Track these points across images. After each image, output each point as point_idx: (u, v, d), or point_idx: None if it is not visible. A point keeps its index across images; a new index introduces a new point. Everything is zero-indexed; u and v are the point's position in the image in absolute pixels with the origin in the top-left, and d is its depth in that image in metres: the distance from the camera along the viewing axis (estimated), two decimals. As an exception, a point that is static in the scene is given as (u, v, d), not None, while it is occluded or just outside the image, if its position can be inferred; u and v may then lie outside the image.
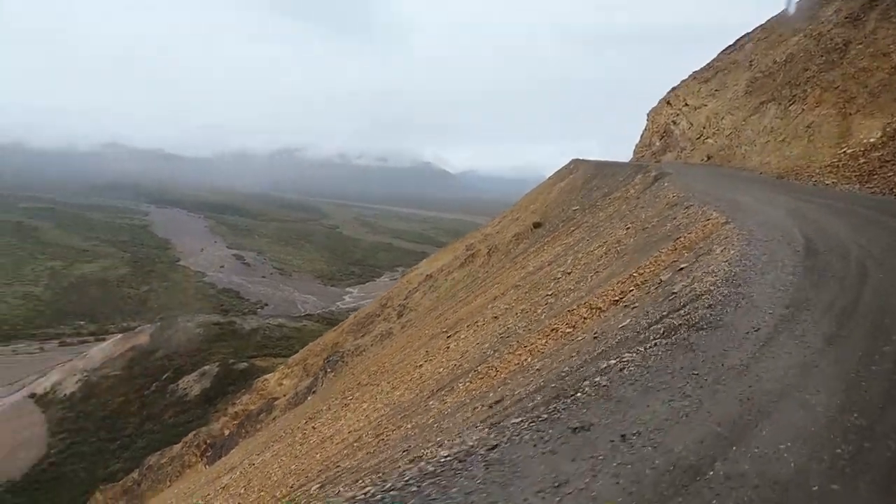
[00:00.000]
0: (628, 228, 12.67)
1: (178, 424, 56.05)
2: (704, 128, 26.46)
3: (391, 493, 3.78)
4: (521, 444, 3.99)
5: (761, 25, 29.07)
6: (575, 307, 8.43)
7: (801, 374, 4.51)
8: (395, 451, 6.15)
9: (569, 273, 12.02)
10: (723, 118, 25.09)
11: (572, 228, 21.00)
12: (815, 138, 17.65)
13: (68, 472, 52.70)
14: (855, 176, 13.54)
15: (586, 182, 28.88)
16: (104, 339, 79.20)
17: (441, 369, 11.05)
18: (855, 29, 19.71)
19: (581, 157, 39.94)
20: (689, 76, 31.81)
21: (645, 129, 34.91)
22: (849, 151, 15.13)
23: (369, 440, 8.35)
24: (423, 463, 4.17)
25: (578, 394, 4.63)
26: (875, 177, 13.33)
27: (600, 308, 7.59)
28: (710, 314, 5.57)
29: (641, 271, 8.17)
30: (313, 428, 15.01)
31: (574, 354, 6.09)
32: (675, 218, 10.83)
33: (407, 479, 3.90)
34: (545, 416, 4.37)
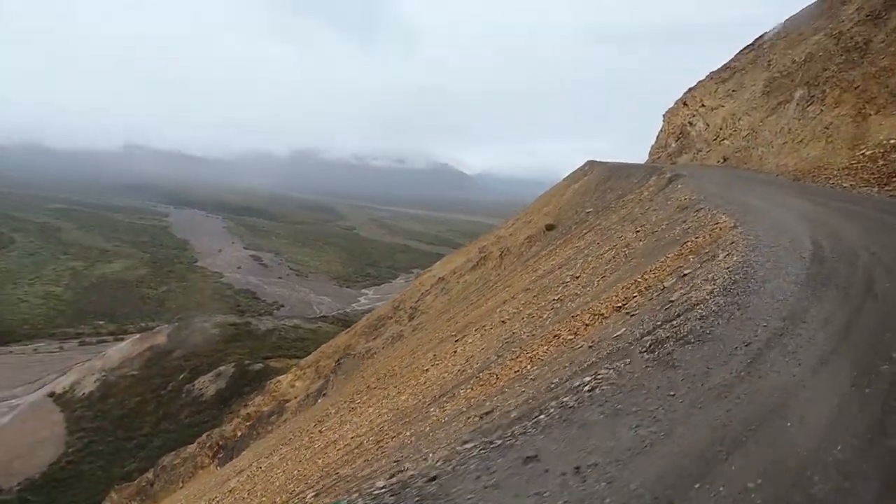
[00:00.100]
0: (638, 232, 12.41)
1: (194, 424, 56.49)
2: (721, 129, 26.00)
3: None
4: (464, 475, 3.77)
5: (780, 24, 28.55)
6: (579, 313, 8.22)
7: (787, 398, 4.18)
8: (389, 460, 6.01)
9: (577, 277, 11.79)
10: (740, 119, 24.63)
11: (585, 231, 20.72)
12: (834, 139, 17.21)
13: (86, 470, 53.30)
14: (873, 178, 13.13)
15: (600, 184, 28.54)
16: (123, 339, 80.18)
17: (445, 375, 10.89)
18: (876, 27, 19.21)
19: (598, 158, 39.56)
20: (707, 76, 31.33)
21: (661, 130, 34.45)
22: (867, 153, 14.70)
23: (370, 447, 8.22)
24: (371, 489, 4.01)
25: (542, 416, 4.40)
26: (894, 179, 12.92)
27: (603, 315, 7.37)
28: (701, 326, 5.31)
29: (646, 277, 7.94)
30: (320, 432, 14.92)
31: (567, 364, 5.89)
32: (684, 221, 10.57)
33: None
34: (499, 441, 4.14)
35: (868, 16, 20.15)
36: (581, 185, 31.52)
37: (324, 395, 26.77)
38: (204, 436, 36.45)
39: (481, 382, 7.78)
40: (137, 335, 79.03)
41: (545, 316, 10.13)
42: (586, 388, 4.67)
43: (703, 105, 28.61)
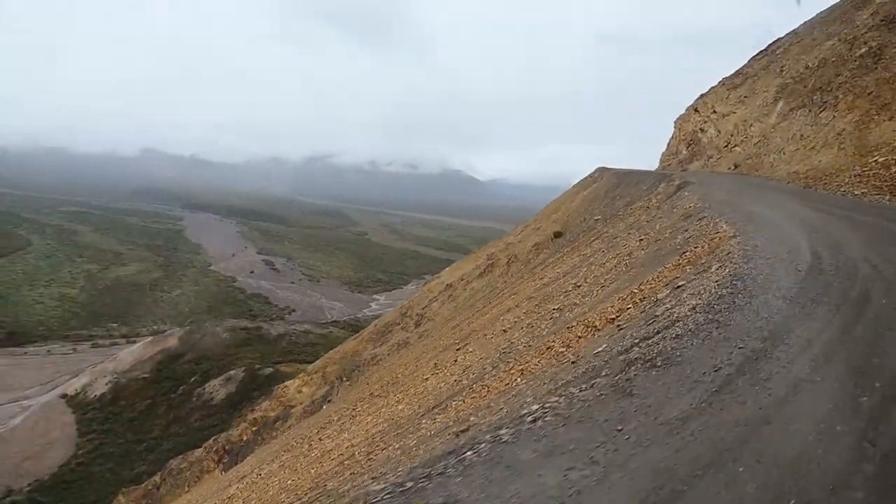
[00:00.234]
0: (641, 240, 12.16)
1: (204, 428, 56.67)
2: (732, 135, 25.64)
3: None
4: None
5: (794, 30, 28.20)
6: (574, 324, 8.00)
7: (747, 436, 3.74)
8: (372, 475, 5.82)
9: (579, 286, 11.56)
10: (751, 125, 24.27)
11: (592, 239, 20.48)
12: (846, 146, 16.84)
13: (95, 472, 53.60)
14: (886, 186, 12.75)
15: (609, 191, 28.27)
16: (135, 342, 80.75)
17: (442, 385, 10.70)
18: (890, 32, 18.83)
19: (611, 164, 39.27)
20: (718, 82, 31.00)
21: (672, 137, 34.11)
22: (880, 160, 14.32)
23: (360, 458, 8.04)
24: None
25: (469, 453, 4.06)
26: (908, 187, 12.58)
27: (596, 327, 7.12)
28: (673, 347, 4.99)
29: (643, 287, 7.68)
30: (319, 440, 14.78)
31: (547, 381, 5.65)
32: (686, 230, 10.30)
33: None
34: (410, 483, 3.83)
35: (883, 21, 19.78)
36: (590, 192, 31.25)
37: (329, 401, 26.66)
38: (211, 440, 36.49)
39: (473, 395, 7.58)
40: (149, 338, 79.53)
41: (543, 326, 9.91)
42: (530, 418, 4.37)
43: (714, 111, 28.26)
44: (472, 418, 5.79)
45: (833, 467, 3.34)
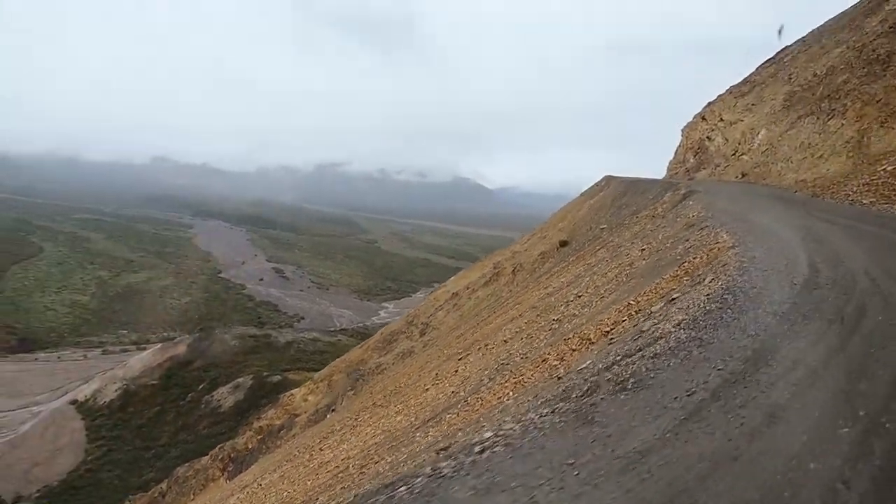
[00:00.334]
0: (643, 250, 11.99)
1: (212, 436, 56.68)
2: (740, 144, 25.41)
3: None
4: None
5: (802, 38, 27.99)
6: (571, 336, 7.84)
7: (708, 473, 3.40)
8: (360, 490, 5.71)
9: (580, 296, 11.42)
10: (759, 133, 24.04)
11: (598, 248, 20.31)
12: (854, 154, 16.61)
13: (104, 478, 53.76)
14: (894, 195, 12.53)
15: (616, 199, 28.09)
16: (145, 349, 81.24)
17: (440, 396, 10.58)
18: (900, 40, 18.63)
19: (621, 172, 39.07)
20: (726, 90, 30.79)
21: (679, 145, 33.89)
22: (889, 168, 14.08)
23: (353, 472, 7.94)
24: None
25: (402, 488, 3.86)
26: (916, 197, 12.35)
27: (590, 340, 6.96)
28: (648, 368, 4.75)
29: (639, 299, 7.53)
30: (320, 450, 14.68)
31: (531, 398, 5.47)
32: (687, 240, 10.13)
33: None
34: None
35: (892, 28, 19.55)
36: (597, 201, 31.07)
37: (333, 410, 26.56)
38: (217, 448, 36.47)
39: (466, 408, 7.46)
40: (158, 345, 79.95)
41: (542, 337, 9.77)
42: (479, 447, 4.12)
43: (721, 119, 28.05)
44: (459, 434, 5.68)
45: None
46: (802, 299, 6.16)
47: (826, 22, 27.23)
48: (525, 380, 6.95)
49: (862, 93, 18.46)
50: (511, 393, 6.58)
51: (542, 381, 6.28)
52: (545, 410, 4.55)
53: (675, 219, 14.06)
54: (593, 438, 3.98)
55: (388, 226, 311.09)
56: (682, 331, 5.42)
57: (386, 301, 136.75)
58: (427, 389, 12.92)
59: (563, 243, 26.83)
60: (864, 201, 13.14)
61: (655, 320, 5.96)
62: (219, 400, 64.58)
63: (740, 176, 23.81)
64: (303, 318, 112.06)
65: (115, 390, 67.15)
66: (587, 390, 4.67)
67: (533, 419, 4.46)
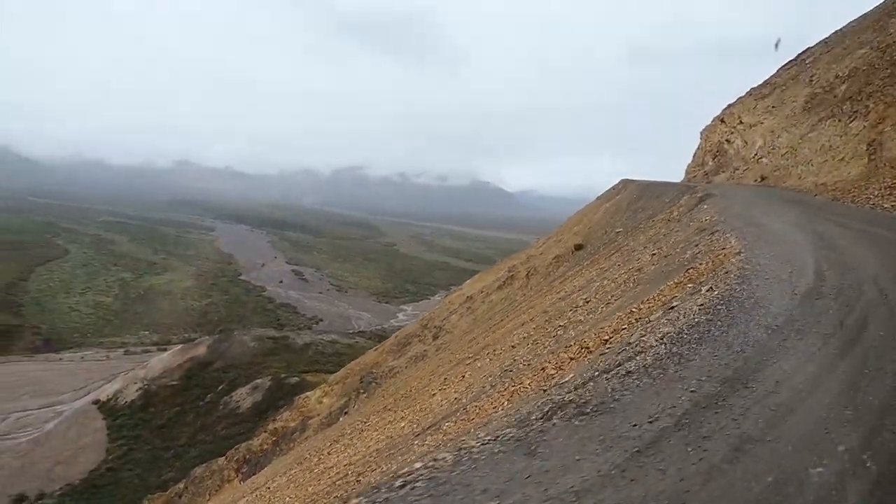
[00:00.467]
0: (653, 255, 11.73)
1: (230, 436, 57.04)
2: (759, 146, 24.92)
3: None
4: None
5: (824, 39, 27.41)
6: (572, 343, 7.64)
7: None
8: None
9: (588, 302, 11.20)
10: (779, 136, 23.55)
11: (612, 252, 20.02)
12: (876, 157, 16.15)
13: (124, 478, 54.35)
14: (916, 199, 12.17)
15: (631, 203, 27.71)
16: (166, 349, 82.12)
17: (444, 402, 10.44)
18: (924, 39, 18.13)
19: (640, 176, 38.52)
20: (746, 93, 30.27)
21: (698, 148, 33.38)
22: (911, 172, 13.72)
23: (351, 480, 7.83)
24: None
25: None
26: (940, 201, 11.94)
27: (588, 348, 6.71)
28: (615, 388, 4.40)
29: (642, 306, 7.29)
30: (328, 454, 14.62)
31: (512, 413, 5.16)
32: (697, 245, 9.85)
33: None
34: None
35: (917, 28, 19.07)
36: (613, 204, 30.70)
37: (345, 413, 26.53)
38: (233, 449, 36.67)
39: (464, 417, 7.29)
40: (179, 346, 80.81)
41: (547, 343, 9.58)
42: (399, 482, 3.80)
43: (741, 122, 27.54)
44: (449, 444, 5.52)
45: None
46: (801, 311, 5.81)
47: (849, 23, 26.65)
48: (521, 389, 6.77)
49: (885, 94, 17.98)
50: (506, 403, 6.39)
51: (537, 389, 6.10)
52: (488, 437, 4.21)
53: (689, 223, 13.77)
54: (529, 474, 3.62)
55: (407, 229, 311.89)
56: (663, 345, 5.12)
57: (404, 304, 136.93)
58: (434, 395, 12.78)
59: (578, 247, 26.53)
60: (885, 205, 12.75)
61: (643, 331, 5.70)
62: (237, 401, 65.01)
63: (759, 179, 23.34)
64: (321, 321, 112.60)
65: (137, 390, 67.98)
66: (547, 412, 4.33)
67: (472, 447, 4.13)
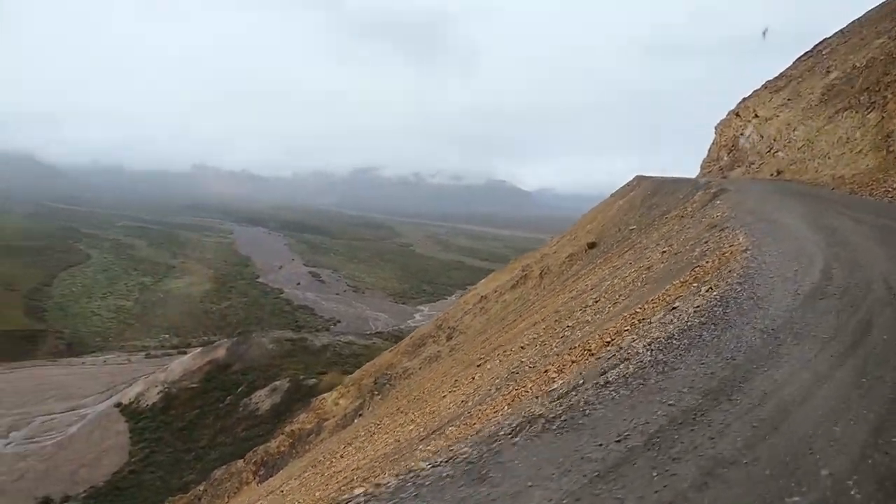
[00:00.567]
0: (664, 252, 11.52)
1: (249, 438, 57.47)
2: (775, 140, 24.47)
3: None
4: None
5: (841, 29, 26.89)
6: (577, 345, 7.47)
7: None
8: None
9: (597, 301, 11.02)
10: (795, 129, 23.11)
11: (625, 250, 19.77)
12: (895, 149, 15.78)
13: (146, 480, 54.98)
14: (936, 192, 11.83)
15: (645, 199, 27.35)
16: (186, 352, 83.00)
17: (452, 405, 10.33)
18: (944, 27, 17.66)
19: (657, 173, 38.01)
20: (761, 86, 29.78)
21: (713, 143, 32.90)
22: (931, 164, 13.36)
23: (356, 485, 7.75)
24: None
25: None
26: (961, 192, 11.60)
27: (591, 351, 6.49)
28: (589, 401, 4.12)
29: (645, 307, 7.07)
30: (340, 457, 14.60)
31: (498, 424, 4.76)
32: (706, 242, 9.61)
33: None
34: None
35: (936, 15, 18.60)
36: (626, 201, 30.33)
37: (360, 415, 26.55)
38: (251, 451, 36.89)
39: (466, 421, 7.16)
40: (199, 349, 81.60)
41: (554, 345, 9.42)
42: None
43: (756, 116, 27.09)
44: (448, 450, 5.41)
45: None
46: (801, 313, 5.51)
47: (867, 12, 26.10)
48: (522, 393, 6.61)
49: (903, 84, 17.58)
50: (507, 408, 6.26)
51: (534, 396, 5.95)
52: (441, 458, 3.95)
53: (701, 219, 13.52)
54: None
55: (423, 229, 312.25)
56: (649, 352, 4.87)
57: (421, 304, 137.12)
58: (444, 397, 12.69)
59: (592, 245, 26.24)
60: (905, 198, 12.42)
61: (635, 336, 5.50)
62: (256, 403, 65.47)
63: (776, 173, 22.93)
64: (339, 322, 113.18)
65: (158, 393, 68.80)
66: (516, 427, 4.07)
67: (421, 469, 3.90)
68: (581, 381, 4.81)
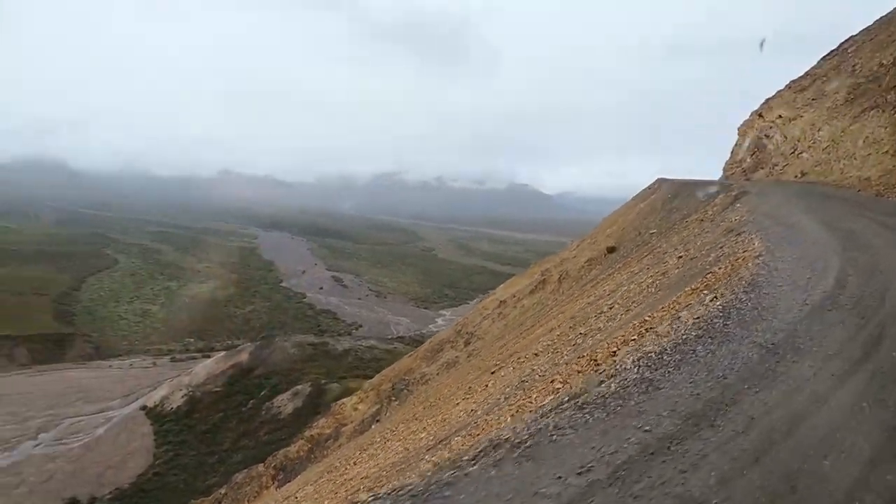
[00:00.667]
0: (680, 258, 11.22)
1: (272, 442, 57.81)
2: (799, 141, 23.89)
3: None
4: None
5: (867, 27, 26.17)
6: (586, 353, 7.25)
7: None
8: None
9: (611, 308, 10.78)
10: (819, 129, 22.52)
11: (644, 254, 19.43)
12: (923, 150, 15.27)
13: (170, 482, 55.59)
14: (965, 194, 11.35)
15: (666, 203, 26.89)
16: (210, 356, 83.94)
17: (462, 413, 10.18)
18: (975, 22, 17.06)
19: (680, 175, 37.35)
20: (785, 86, 29.13)
21: (736, 145, 32.28)
22: (961, 165, 12.85)
23: (363, 494, 7.65)
24: None
25: None
26: None
27: (597, 361, 6.21)
28: (558, 425, 3.80)
29: (654, 315, 6.77)
30: (353, 464, 14.53)
31: (488, 439, 4.50)
32: (722, 247, 9.30)
33: None
34: None
35: (967, 10, 17.98)
36: (647, 205, 29.84)
37: (377, 420, 26.48)
38: (272, 455, 37.06)
39: (473, 431, 7.02)
40: (222, 353, 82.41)
41: (565, 353, 9.20)
42: None
43: (780, 116, 26.48)
44: (448, 462, 5.26)
45: None
46: (806, 325, 5.06)
47: (893, 9, 25.37)
48: (527, 404, 6.39)
49: (932, 82, 17.00)
50: (507, 420, 6.08)
51: (536, 408, 5.77)
52: (384, 491, 3.71)
53: (720, 223, 13.19)
54: None
55: (445, 233, 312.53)
56: (636, 368, 4.56)
57: (443, 309, 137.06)
58: (457, 404, 12.53)
59: (611, 249, 25.85)
60: (934, 201, 11.95)
61: (629, 349, 5.24)
62: (278, 407, 65.89)
63: (800, 175, 22.38)
64: (361, 326, 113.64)
65: (182, 396, 69.62)
66: (479, 453, 3.77)
67: (361, 501, 3.73)
68: (563, 400, 4.50)
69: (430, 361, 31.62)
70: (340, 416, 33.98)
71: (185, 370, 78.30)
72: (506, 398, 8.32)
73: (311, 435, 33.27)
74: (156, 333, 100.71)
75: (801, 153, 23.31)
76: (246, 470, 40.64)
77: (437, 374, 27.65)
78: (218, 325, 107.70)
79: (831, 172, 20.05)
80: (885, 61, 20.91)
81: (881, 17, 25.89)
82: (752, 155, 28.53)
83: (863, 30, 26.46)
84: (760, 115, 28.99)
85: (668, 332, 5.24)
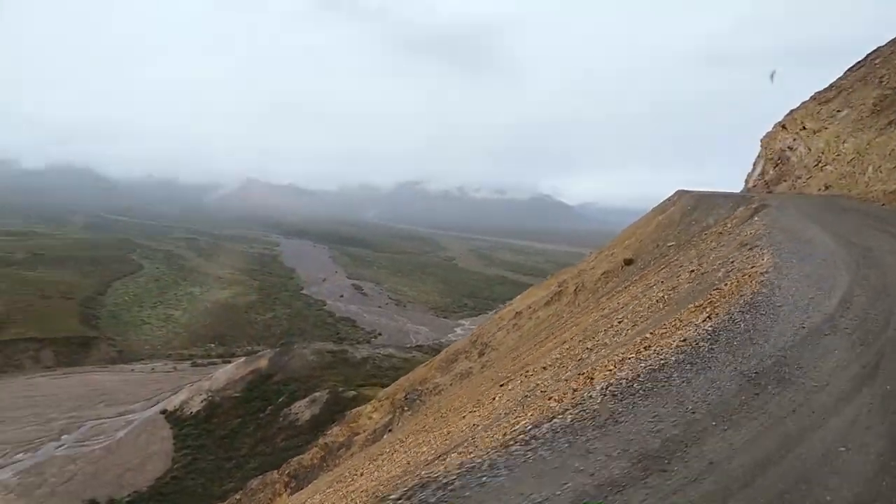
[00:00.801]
0: (691, 272, 10.95)
1: (288, 448, 58.01)
2: (823, 153, 23.37)
3: None
4: None
5: (894, 39, 25.62)
6: (586, 371, 7.06)
7: None
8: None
9: (619, 322, 10.57)
10: (844, 142, 22.01)
11: (661, 268, 19.09)
12: (950, 164, 14.80)
13: (188, 486, 56.04)
14: None
15: (685, 215, 26.45)
16: (230, 362, 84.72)
17: (465, 427, 10.02)
18: None
19: (703, 188, 36.74)
20: (810, 97, 28.59)
21: (758, 156, 31.73)
22: None
23: (360, 507, 7.56)
24: None
25: None
26: None
27: (592, 379, 5.97)
28: (494, 463, 3.50)
29: (654, 333, 6.55)
30: (360, 475, 14.40)
31: (481, 458, 4.36)
32: (733, 261, 9.01)
33: None
34: None
35: None
36: (666, 217, 29.39)
37: (389, 430, 26.36)
38: (286, 462, 37.13)
39: (471, 447, 6.88)
40: (242, 359, 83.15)
41: (570, 367, 9.02)
42: None
43: (804, 128, 25.96)
44: (447, 478, 5.12)
45: None
46: (798, 352, 4.64)
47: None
48: (524, 421, 6.24)
49: (961, 94, 16.51)
50: (503, 437, 5.93)
51: (533, 423, 5.58)
52: None
53: (736, 237, 12.89)
54: None
55: (466, 243, 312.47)
56: (601, 397, 4.27)
57: (462, 318, 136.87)
58: (464, 417, 12.35)
59: (628, 262, 25.48)
60: (959, 216, 11.54)
61: (623, 372, 4.94)
62: (296, 413, 66.19)
63: (823, 188, 21.87)
64: (380, 334, 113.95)
65: (201, 401, 70.31)
66: (407, 492, 3.58)
67: None
68: (521, 430, 4.22)
69: (445, 371, 31.44)
70: (354, 424, 33.92)
71: (206, 375, 79.10)
72: (506, 414, 8.15)
73: (325, 443, 33.25)
74: (178, 338, 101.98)
75: (825, 166, 22.80)
76: (261, 476, 40.79)
77: (451, 384, 27.46)
78: (239, 331, 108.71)
79: (856, 185, 19.56)
80: (912, 72, 20.44)
81: (909, 28, 25.31)
82: (774, 167, 28.01)
83: (889, 41, 25.90)
84: (784, 127, 28.47)
85: (649, 356, 4.92)
